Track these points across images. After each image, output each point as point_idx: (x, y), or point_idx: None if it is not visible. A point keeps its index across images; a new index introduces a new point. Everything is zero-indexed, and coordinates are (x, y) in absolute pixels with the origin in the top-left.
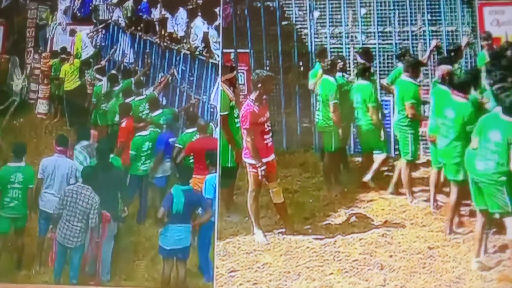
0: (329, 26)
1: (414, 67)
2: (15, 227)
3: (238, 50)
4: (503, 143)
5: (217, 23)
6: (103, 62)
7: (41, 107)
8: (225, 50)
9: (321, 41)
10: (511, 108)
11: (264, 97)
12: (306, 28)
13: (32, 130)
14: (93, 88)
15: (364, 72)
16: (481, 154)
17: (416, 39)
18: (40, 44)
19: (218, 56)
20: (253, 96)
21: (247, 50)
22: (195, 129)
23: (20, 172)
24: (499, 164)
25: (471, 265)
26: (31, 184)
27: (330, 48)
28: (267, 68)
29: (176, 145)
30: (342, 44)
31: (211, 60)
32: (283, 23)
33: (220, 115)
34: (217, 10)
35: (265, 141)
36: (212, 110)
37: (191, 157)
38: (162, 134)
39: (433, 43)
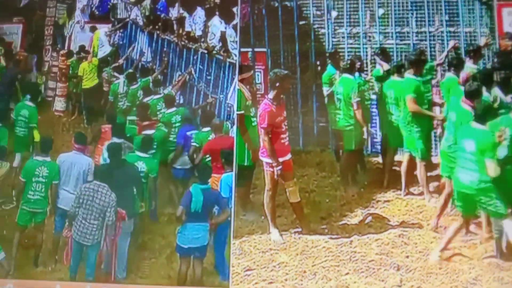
0: (347, 26)
1: (416, 65)
2: (34, 222)
3: (256, 49)
4: (477, 152)
5: (234, 22)
6: (120, 61)
7: (59, 104)
8: (242, 49)
9: (338, 41)
10: (482, 116)
11: (282, 96)
12: (324, 27)
13: (50, 128)
14: (109, 86)
15: (399, 69)
16: (461, 165)
17: (434, 40)
18: (58, 42)
19: (236, 56)
20: (271, 95)
21: (265, 49)
22: (210, 128)
23: (45, 166)
24: (481, 173)
25: (431, 256)
26: (56, 180)
27: (348, 48)
28: (284, 68)
29: (193, 144)
30: (359, 44)
31: (228, 60)
32: (301, 22)
33: (237, 114)
34: (234, 9)
35: (282, 141)
36: (229, 109)
37: (208, 157)
38: (181, 128)
39: (451, 44)
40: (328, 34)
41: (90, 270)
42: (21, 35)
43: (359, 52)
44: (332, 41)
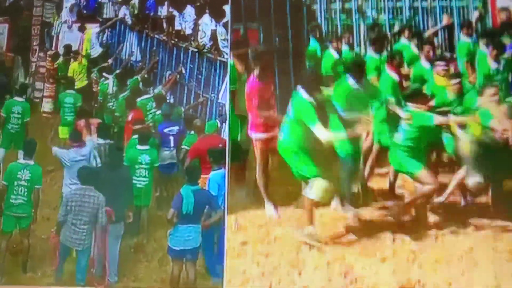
0: (339, 1)
1: (378, 41)
2: (19, 228)
3: (247, 26)
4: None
5: (225, 20)
6: (109, 61)
7: (47, 106)
8: (233, 26)
9: (331, 16)
10: None
11: (267, 72)
12: (316, 3)
13: (38, 129)
14: (98, 86)
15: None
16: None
17: (427, 15)
18: (45, 42)
19: (227, 54)
20: (256, 72)
21: (256, 27)
22: (193, 131)
23: (28, 169)
24: (290, 136)
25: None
26: (39, 184)
27: (340, 24)
28: (277, 44)
29: (183, 147)
30: (352, 19)
31: (219, 58)
32: None
33: (231, 89)
34: (225, 7)
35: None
36: (220, 108)
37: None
38: (159, 124)
39: (444, 20)
40: (321, 9)
41: (81, 275)
42: (7, 35)
43: (352, 27)
44: (325, 17)
